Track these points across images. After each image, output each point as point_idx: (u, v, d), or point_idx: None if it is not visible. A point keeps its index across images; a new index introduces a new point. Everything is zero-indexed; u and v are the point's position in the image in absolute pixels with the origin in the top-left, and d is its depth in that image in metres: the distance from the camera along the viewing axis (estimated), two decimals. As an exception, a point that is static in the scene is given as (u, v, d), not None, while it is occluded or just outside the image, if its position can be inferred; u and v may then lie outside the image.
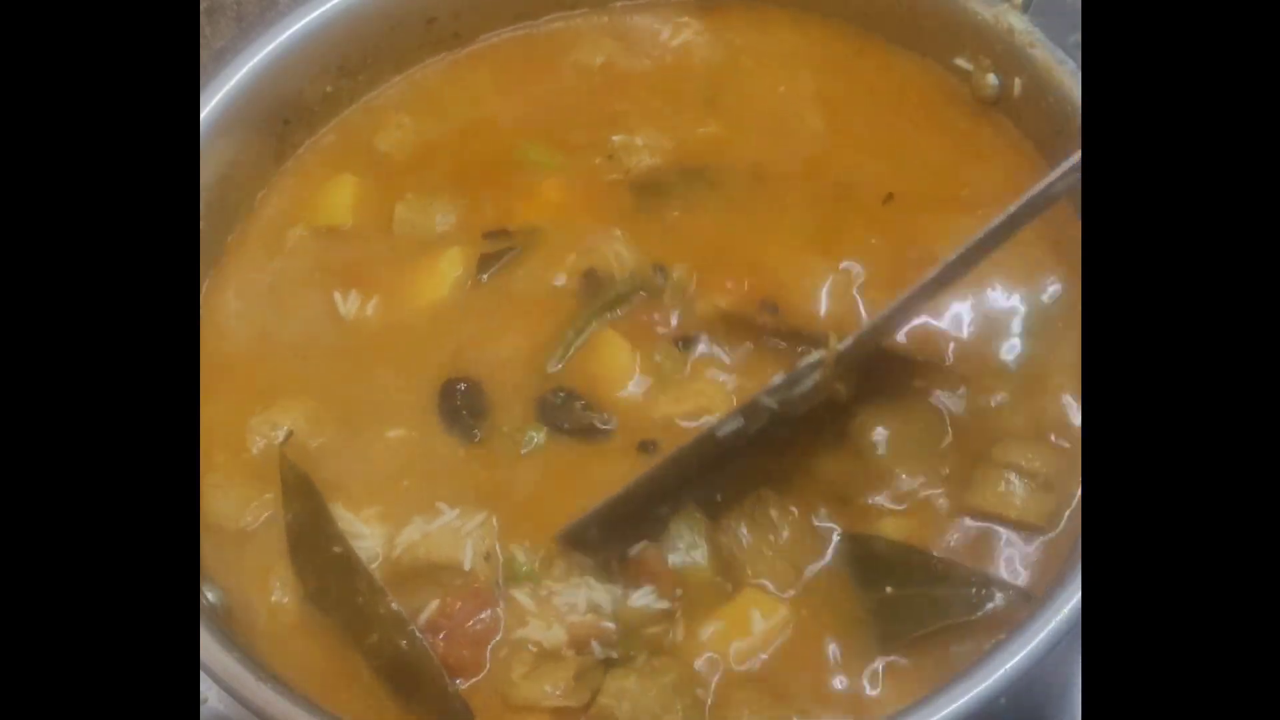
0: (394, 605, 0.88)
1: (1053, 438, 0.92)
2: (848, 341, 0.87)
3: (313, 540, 0.92)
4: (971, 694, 0.77)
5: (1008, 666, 0.78)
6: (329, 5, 1.08)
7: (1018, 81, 1.02)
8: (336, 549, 0.91)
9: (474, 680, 0.88)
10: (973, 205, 0.99)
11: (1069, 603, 0.79)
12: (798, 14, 1.13)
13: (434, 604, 0.89)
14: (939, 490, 0.91)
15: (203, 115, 1.04)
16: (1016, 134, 1.04)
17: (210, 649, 0.84)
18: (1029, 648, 0.78)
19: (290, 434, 0.97)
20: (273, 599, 0.92)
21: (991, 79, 1.04)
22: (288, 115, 1.09)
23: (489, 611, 0.89)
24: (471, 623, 0.89)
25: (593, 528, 0.90)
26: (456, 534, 0.91)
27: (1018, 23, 1.01)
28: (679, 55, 1.15)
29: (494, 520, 0.92)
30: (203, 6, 1.34)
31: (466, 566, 0.89)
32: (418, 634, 0.87)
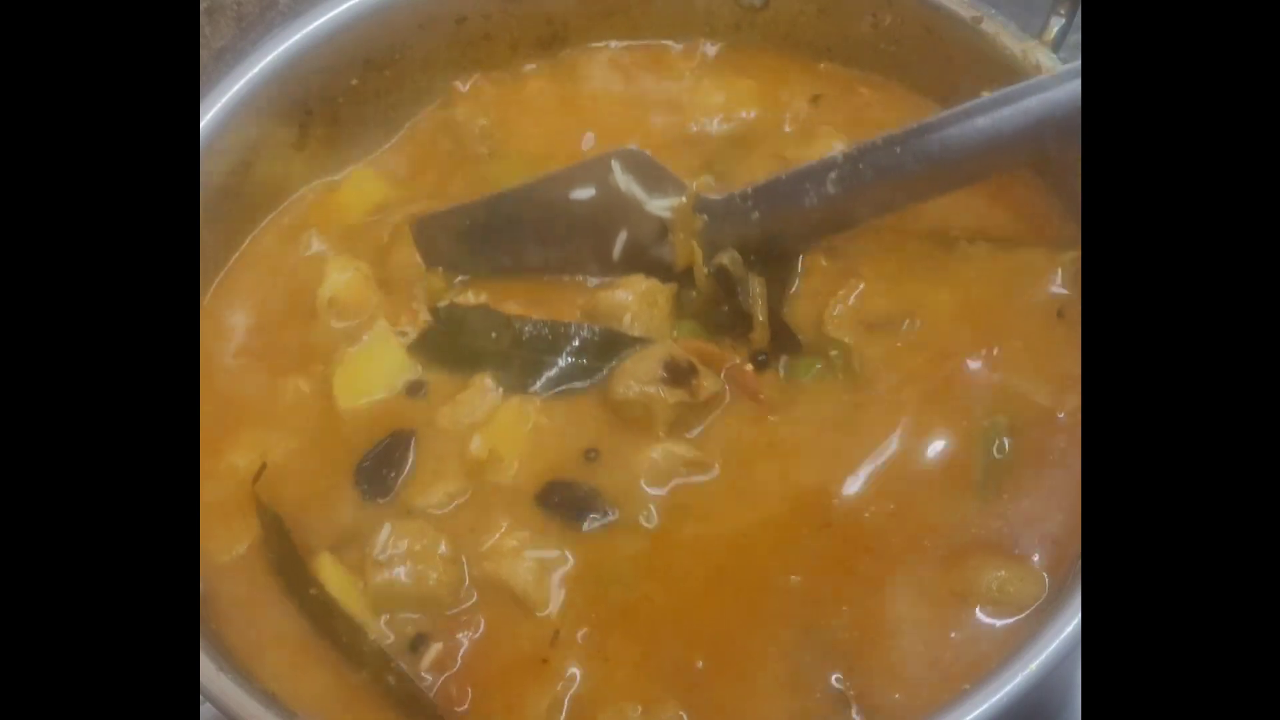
0: (375, 642, 0.87)
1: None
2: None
3: (290, 580, 0.91)
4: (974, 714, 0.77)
5: (1008, 688, 0.77)
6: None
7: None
8: (312, 591, 0.89)
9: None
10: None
11: (1070, 623, 0.78)
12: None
13: (437, 646, 0.88)
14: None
15: (224, 101, 1.03)
16: (1037, 172, 1.05)
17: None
18: (1031, 667, 0.78)
19: (264, 468, 0.94)
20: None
21: (1016, 115, 1.05)
22: (311, 106, 1.08)
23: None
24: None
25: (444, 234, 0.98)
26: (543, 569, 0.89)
27: (1046, 61, 1.00)
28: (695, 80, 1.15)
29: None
30: (203, 6, 1.34)
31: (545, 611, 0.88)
32: (403, 668, 0.86)
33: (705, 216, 0.98)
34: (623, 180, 0.96)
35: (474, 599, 0.89)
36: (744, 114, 1.11)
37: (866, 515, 0.89)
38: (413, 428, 0.96)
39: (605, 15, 1.15)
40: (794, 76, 1.13)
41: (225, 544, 0.93)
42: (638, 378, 0.91)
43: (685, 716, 0.84)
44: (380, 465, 0.94)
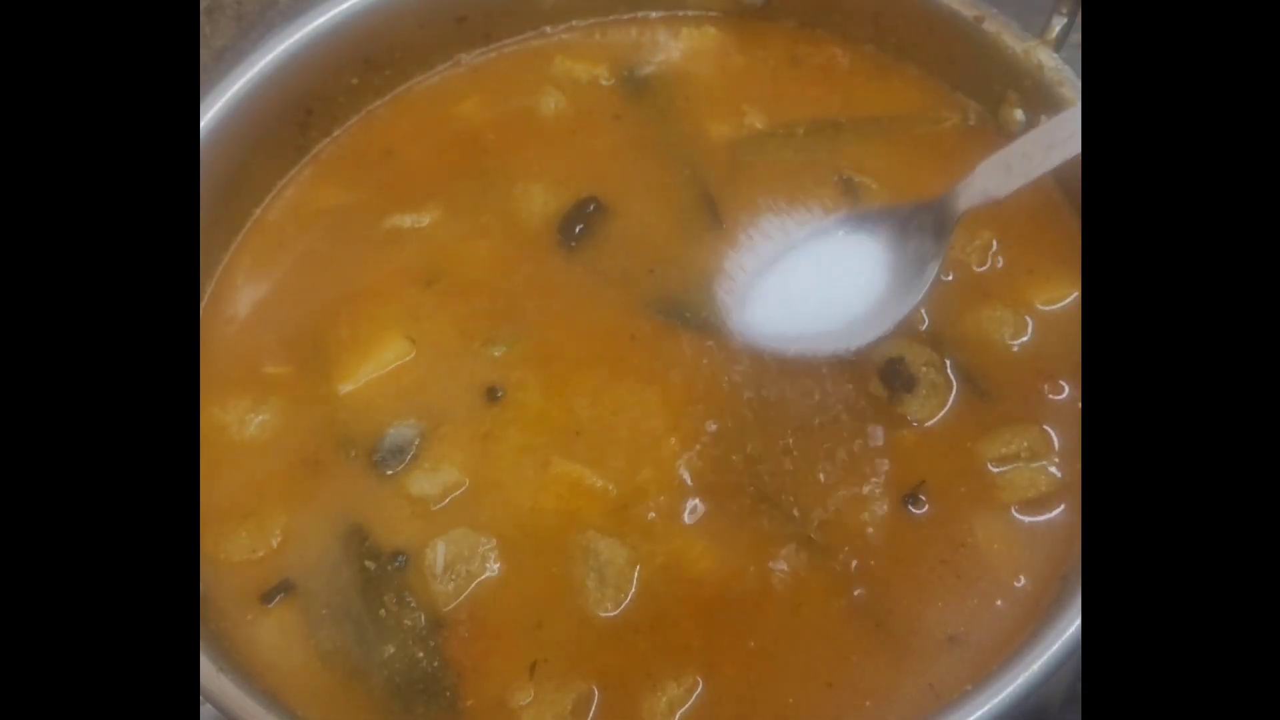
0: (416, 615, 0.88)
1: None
2: None
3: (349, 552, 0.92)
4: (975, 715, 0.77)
5: (1009, 689, 0.78)
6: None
7: (1044, 119, 1.01)
8: (368, 564, 0.91)
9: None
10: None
11: (1071, 625, 0.79)
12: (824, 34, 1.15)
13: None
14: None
15: (224, 100, 1.04)
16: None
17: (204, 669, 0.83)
18: (1032, 669, 0.78)
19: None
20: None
21: (1018, 114, 1.04)
22: (311, 105, 1.08)
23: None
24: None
25: None
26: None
27: (1047, 60, 1.01)
28: (693, 65, 1.16)
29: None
30: (203, 6, 1.34)
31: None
32: (432, 645, 0.87)
33: None
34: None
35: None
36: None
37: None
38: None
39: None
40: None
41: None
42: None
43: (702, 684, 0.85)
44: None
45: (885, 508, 0.90)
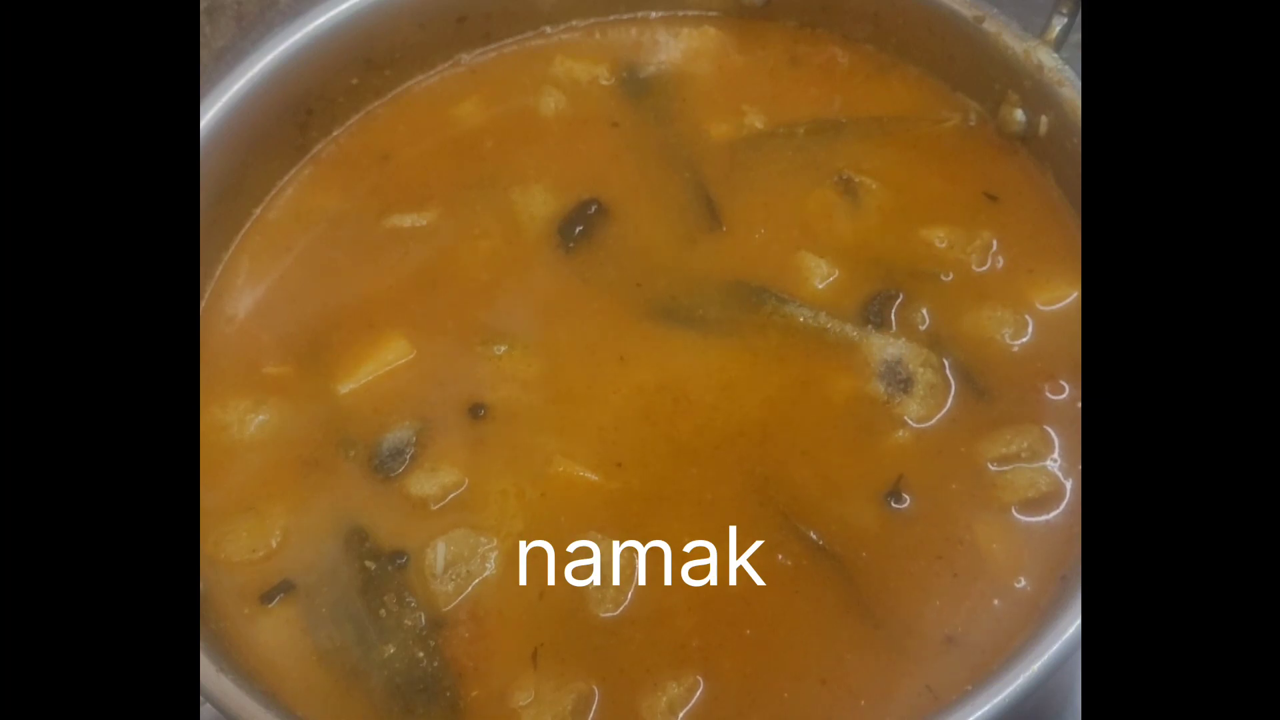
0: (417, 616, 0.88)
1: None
2: None
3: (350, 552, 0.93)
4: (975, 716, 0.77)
5: (1009, 690, 0.78)
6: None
7: (1044, 119, 1.02)
8: (369, 563, 0.91)
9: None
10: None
11: (1071, 625, 0.79)
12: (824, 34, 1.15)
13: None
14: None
15: (224, 101, 1.04)
16: (1039, 173, 1.05)
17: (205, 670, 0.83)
18: (1032, 669, 0.78)
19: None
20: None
21: (1018, 115, 1.04)
22: (311, 105, 1.08)
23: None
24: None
25: None
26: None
27: (1048, 60, 1.01)
28: (692, 65, 1.16)
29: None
30: (203, 6, 1.34)
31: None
32: (432, 644, 0.87)
33: None
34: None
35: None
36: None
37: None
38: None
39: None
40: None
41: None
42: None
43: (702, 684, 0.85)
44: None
45: (882, 507, 0.90)
